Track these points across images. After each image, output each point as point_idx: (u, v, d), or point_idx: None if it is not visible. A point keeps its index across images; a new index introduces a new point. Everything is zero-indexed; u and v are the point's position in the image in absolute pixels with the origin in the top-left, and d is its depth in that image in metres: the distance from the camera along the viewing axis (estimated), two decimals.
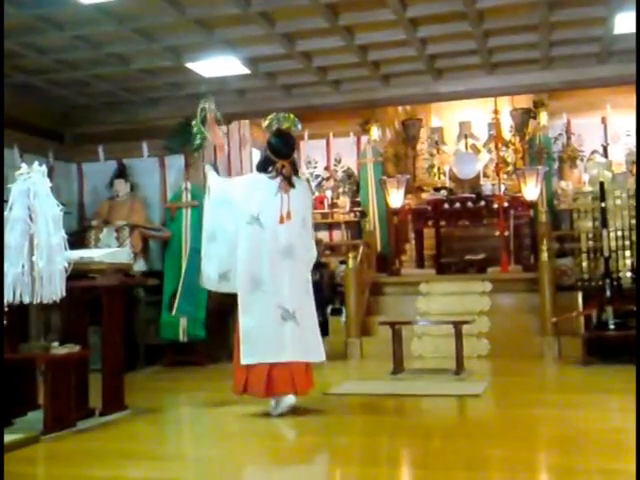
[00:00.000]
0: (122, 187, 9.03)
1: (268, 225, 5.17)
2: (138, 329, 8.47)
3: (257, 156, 11.02)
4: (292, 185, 5.25)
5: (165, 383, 7.52)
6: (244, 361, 5.08)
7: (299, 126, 5.53)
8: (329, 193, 11.64)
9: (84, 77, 8.38)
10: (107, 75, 8.38)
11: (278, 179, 5.25)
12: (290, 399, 5.09)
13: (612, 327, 7.54)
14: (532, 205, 9.99)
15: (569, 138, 11.13)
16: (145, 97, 9.19)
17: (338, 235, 11.54)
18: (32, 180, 4.53)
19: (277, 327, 5.09)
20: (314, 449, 4.30)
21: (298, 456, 4.13)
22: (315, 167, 11.68)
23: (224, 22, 7.03)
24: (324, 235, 11.32)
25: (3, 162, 7.27)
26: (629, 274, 7.83)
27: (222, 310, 9.24)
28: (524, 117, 11.12)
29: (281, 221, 5.17)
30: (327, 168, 11.88)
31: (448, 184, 11.38)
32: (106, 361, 5.26)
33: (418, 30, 7.32)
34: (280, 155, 5.33)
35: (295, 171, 5.41)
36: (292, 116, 5.48)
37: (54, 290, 4.50)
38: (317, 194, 11.49)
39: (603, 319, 7.64)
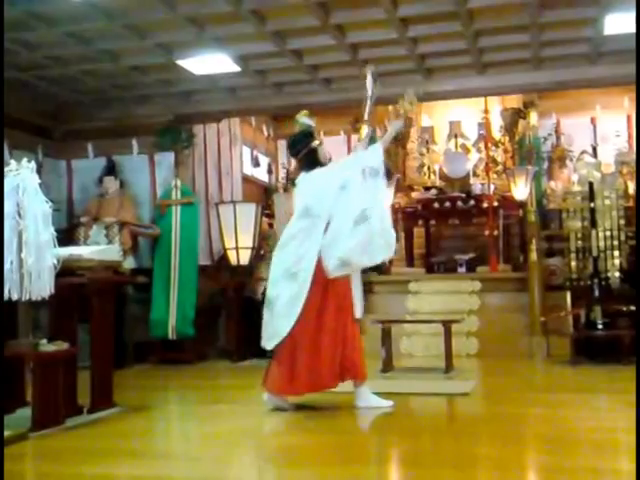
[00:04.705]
0: (111, 184, 8.99)
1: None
2: (127, 326, 8.45)
3: (247, 154, 11.06)
4: (292, 184, 5.40)
5: (154, 381, 7.50)
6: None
7: (304, 120, 5.58)
8: None
9: (74, 73, 8.34)
10: (97, 72, 8.36)
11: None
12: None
13: (600, 327, 7.58)
14: (521, 205, 10.00)
15: (559, 138, 11.16)
16: (135, 94, 9.16)
17: None
18: (21, 176, 4.51)
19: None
20: (303, 447, 4.30)
21: (286, 454, 4.13)
22: None
23: (215, 19, 7.02)
24: None
25: (3, 162, 7.23)
26: (617, 274, 7.86)
27: (211, 308, 9.26)
28: (514, 117, 11.13)
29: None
30: None
31: (438, 183, 11.39)
32: (95, 358, 5.25)
33: (409, 29, 7.33)
34: (290, 155, 5.75)
35: (308, 164, 5.41)
36: (301, 113, 5.58)
37: (43, 287, 4.48)
38: None
39: (591, 319, 7.68)
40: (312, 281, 5.14)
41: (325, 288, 5.17)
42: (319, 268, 5.15)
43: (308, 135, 5.51)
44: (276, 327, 5.18)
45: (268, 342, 5.25)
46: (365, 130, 5.88)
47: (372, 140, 5.68)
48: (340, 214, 5.20)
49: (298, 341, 5.12)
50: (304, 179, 5.41)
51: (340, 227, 5.18)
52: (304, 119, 5.57)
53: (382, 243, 5.22)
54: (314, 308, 5.14)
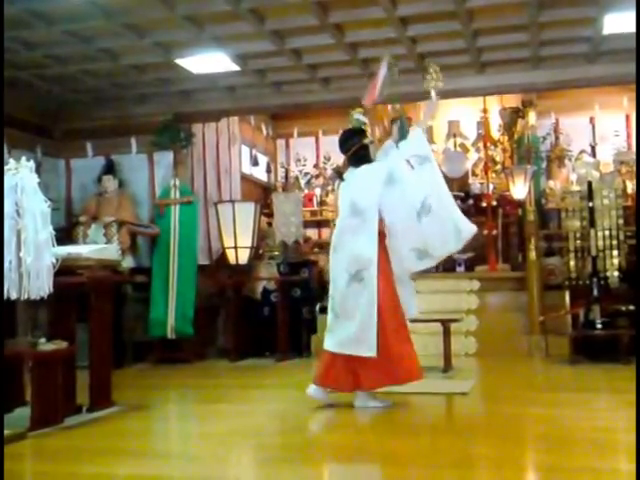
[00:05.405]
0: (110, 183, 8.99)
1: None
2: (126, 326, 8.45)
3: (246, 153, 11.06)
4: (341, 179, 5.38)
5: (153, 380, 7.50)
6: None
7: (358, 116, 5.56)
8: (318, 191, 11.64)
9: (73, 72, 8.34)
10: (96, 71, 8.35)
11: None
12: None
13: (599, 326, 7.58)
14: (520, 204, 10.01)
15: (557, 138, 11.16)
16: (134, 93, 9.16)
17: (327, 233, 11.53)
18: (20, 176, 4.50)
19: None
20: (301, 446, 4.30)
21: (285, 453, 4.13)
22: (304, 165, 11.67)
23: (214, 18, 7.02)
24: (313, 233, 11.33)
25: (3, 161, 7.24)
26: (616, 273, 7.86)
27: (210, 307, 9.26)
28: (513, 116, 11.12)
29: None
30: (316, 166, 11.88)
31: None
32: (94, 357, 5.25)
33: (408, 28, 7.33)
34: (341, 151, 5.58)
35: (358, 161, 5.35)
36: (355, 110, 5.58)
37: (41, 286, 4.48)
38: (306, 192, 11.50)
39: (590, 318, 7.68)
40: (378, 283, 5.11)
41: (386, 291, 5.18)
42: (382, 269, 5.13)
43: (360, 132, 5.59)
44: (356, 333, 5.09)
45: (343, 347, 5.15)
46: (395, 126, 5.84)
47: (402, 129, 5.61)
48: (396, 209, 5.20)
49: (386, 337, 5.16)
50: (352, 175, 5.37)
51: (402, 223, 5.18)
52: (358, 115, 5.59)
53: (452, 229, 5.18)
54: (388, 309, 5.17)
